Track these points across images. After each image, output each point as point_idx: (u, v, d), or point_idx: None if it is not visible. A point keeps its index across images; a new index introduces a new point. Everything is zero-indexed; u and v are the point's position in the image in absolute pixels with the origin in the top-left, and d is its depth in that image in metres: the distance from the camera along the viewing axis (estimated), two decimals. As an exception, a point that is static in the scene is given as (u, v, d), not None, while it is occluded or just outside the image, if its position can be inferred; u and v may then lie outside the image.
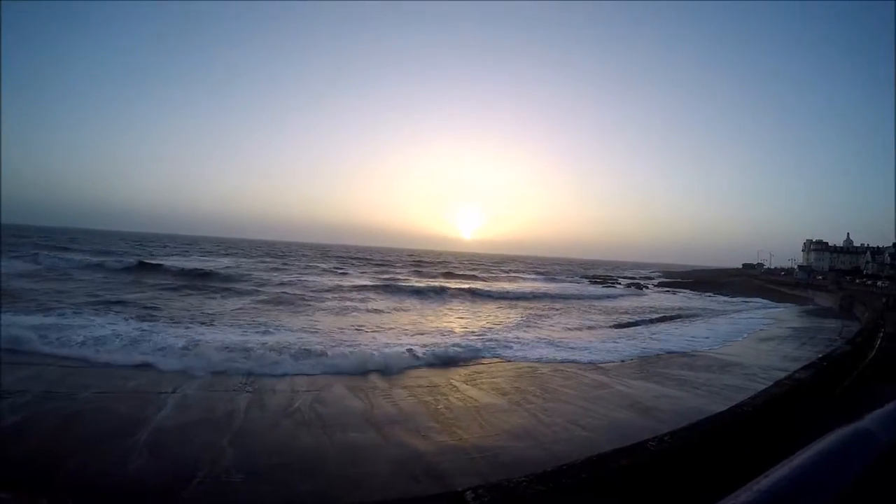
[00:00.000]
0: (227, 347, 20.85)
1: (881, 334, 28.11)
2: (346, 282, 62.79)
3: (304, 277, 65.31)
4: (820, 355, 19.53)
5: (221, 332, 24.88)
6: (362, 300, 45.95)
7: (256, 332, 25.42)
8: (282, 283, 55.18)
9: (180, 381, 16.38)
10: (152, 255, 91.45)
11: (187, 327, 25.63)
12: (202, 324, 27.26)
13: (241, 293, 43.99)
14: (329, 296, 47.46)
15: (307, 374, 18.01)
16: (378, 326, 31.15)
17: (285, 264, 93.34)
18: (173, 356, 19.13)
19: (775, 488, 0.87)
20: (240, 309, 35.04)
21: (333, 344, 23.12)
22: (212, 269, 64.90)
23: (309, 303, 40.81)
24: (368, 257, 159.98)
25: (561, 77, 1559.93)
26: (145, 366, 17.82)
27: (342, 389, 16.82)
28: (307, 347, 21.65)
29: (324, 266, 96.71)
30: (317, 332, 27.24)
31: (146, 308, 30.95)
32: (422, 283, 68.68)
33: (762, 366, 24.15)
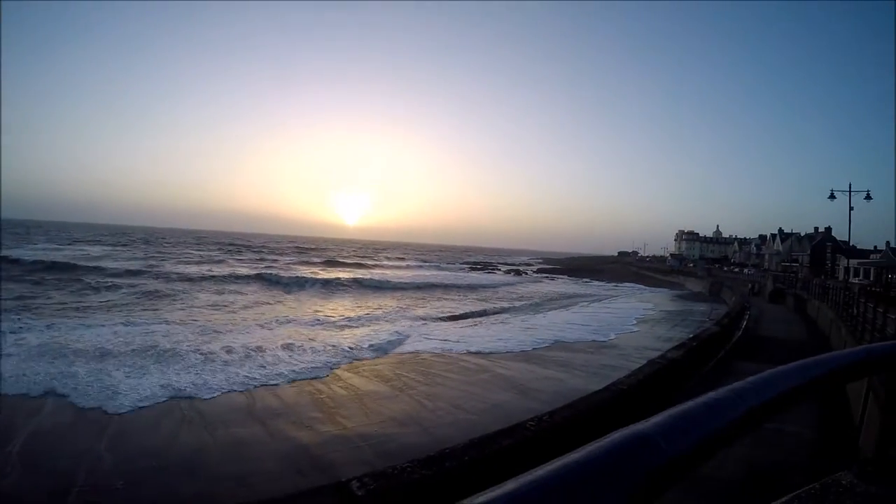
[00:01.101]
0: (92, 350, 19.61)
1: (747, 316, 30.22)
2: (226, 271, 60.17)
3: (179, 268, 60.92)
4: (690, 336, 20.73)
5: (83, 331, 23.49)
6: (241, 292, 43.77)
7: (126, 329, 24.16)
8: (157, 276, 50.90)
9: (47, 386, 15.09)
10: (8, 245, 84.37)
11: (51, 324, 23.75)
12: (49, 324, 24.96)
13: (111, 288, 40.43)
14: (207, 286, 45.33)
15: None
16: (258, 318, 30.32)
17: (161, 252, 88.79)
18: (32, 360, 17.62)
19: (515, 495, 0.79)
20: (109, 303, 33.03)
21: (208, 341, 22.13)
22: (78, 260, 59.70)
23: (181, 295, 38.22)
24: (249, 244, 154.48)
25: (449, 64, 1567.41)
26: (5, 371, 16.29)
27: (221, 382, 16.27)
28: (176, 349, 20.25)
29: (202, 254, 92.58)
30: (190, 328, 26.21)
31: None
32: (303, 271, 67.42)
33: (637, 346, 25.41)
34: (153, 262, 66.11)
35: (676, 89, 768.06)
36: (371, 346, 22.88)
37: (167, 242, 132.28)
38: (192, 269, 60.16)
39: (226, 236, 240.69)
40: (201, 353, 19.58)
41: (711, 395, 1.28)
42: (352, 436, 12.11)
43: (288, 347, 21.39)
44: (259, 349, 20.72)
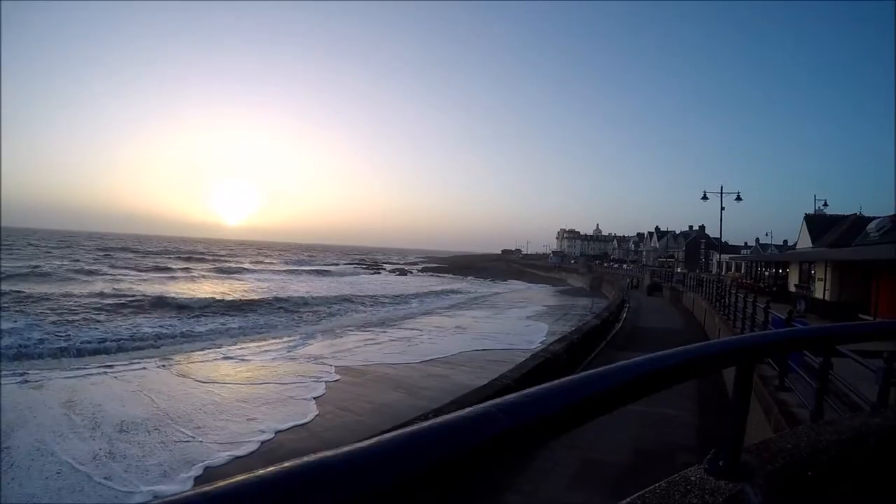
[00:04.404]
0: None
1: (627, 308, 31.65)
2: (101, 286, 45.99)
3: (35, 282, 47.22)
4: (572, 329, 21.40)
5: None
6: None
7: None
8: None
9: None
10: None
11: None
12: None
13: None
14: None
15: None
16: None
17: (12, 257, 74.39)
18: None
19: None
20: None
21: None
22: None
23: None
24: (127, 247, 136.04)
25: (331, 60, 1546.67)
26: None
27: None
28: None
29: (70, 262, 70.57)
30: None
31: None
32: (202, 286, 54.84)
33: (522, 340, 25.97)
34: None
35: (559, 92, 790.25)
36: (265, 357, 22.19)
37: (27, 245, 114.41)
38: (52, 286, 45.32)
39: (97, 238, 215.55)
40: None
41: (556, 381, 1.25)
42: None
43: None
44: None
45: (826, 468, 2.13)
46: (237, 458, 10.89)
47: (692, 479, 1.86)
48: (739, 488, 1.81)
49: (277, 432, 12.40)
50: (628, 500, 1.70)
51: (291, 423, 13.07)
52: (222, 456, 10.92)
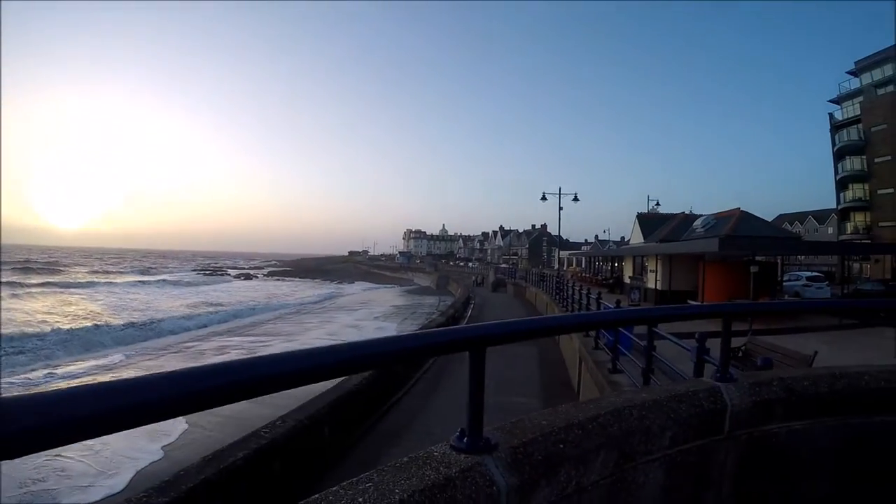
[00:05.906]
0: None
1: (472, 305, 32.62)
2: None
3: None
4: (419, 328, 21.72)
5: None
6: None
7: None
8: None
9: None
10: None
11: None
12: None
13: None
14: None
15: None
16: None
17: None
18: None
19: None
20: None
21: None
22: None
23: None
24: None
25: (190, 58, 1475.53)
26: None
27: None
28: None
29: None
30: None
31: None
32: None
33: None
34: None
35: (401, 91, 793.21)
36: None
37: None
38: None
39: None
40: None
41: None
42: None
43: None
44: None
45: (578, 440, 2.33)
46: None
47: (436, 454, 2.03)
48: (478, 461, 2.00)
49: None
50: (370, 472, 1.85)
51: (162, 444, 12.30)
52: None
